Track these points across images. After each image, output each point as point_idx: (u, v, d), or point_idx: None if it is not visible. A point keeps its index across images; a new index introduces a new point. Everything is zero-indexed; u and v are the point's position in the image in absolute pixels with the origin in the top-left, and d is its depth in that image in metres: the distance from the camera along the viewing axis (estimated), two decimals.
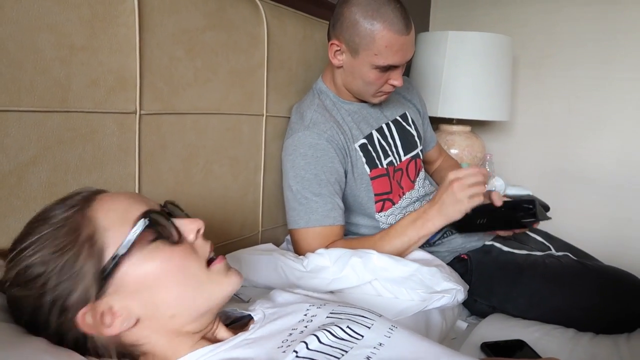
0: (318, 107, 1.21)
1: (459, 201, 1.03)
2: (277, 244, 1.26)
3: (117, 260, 0.53)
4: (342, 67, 1.17)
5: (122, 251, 0.53)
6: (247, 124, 1.17)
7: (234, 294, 1.01)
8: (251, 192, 1.21)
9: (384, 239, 1.11)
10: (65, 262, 0.52)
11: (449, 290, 0.96)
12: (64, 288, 0.52)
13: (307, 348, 0.54)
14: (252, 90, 1.17)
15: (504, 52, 1.85)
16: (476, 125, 2.18)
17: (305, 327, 0.60)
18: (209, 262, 0.60)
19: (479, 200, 1.04)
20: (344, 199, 1.20)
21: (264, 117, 1.21)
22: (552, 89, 2.14)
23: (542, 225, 1.54)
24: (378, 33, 1.07)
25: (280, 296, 0.73)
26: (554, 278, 1.14)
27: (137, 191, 0.92)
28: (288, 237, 1.29)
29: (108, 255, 0.53)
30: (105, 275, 0.53)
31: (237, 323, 0.72)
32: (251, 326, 0.63)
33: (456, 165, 1.61)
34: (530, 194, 1.98)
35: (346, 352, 0.55)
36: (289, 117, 1.28)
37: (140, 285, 0.55)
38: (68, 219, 0.54)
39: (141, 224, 0.55)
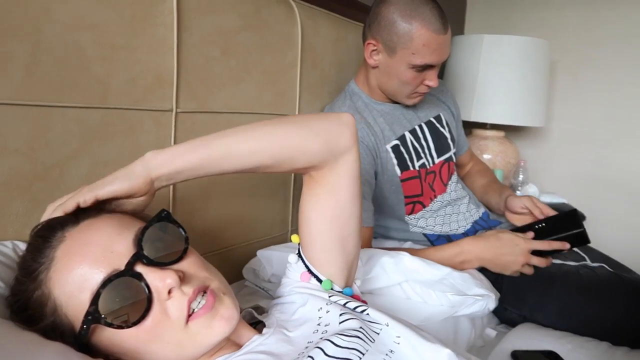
0: (349, 109, 1.21)
1: (513, 265, 1.09)
2: None
3: (85, 335, 0.52)
4: (377, 67, 1.17)
5: (83, 332, 0.51)
6: None
7: (264, 290, 1.02)
8: (282, 191, 1.23)
9: (424, 254, 1.10)
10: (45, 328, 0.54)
11: (481, 296, 0.94)
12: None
13: (325, 354, 0.54)
14: (285, 90, 1.18)
15: (541, 56, 1.81)
16: (510, 131, 2.14)
17: (320, 338, 0.58)
18: (191, 313, 0.54)
19: (529, 271, 1.10)
20: (373, 201, 1.20)
21: None
22: (590, 95, 2.08)
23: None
24: (416, 32, 1.07)
25: (287, 298, 0.71)
26: (588, 289, 1.11)
27: (171, 187, 0.94)
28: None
29: (77, 328, 0.52)
30: (81, 342, 0.53)
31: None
32: (264, 330, 0.62)
33: (487, 169, 1.58)
34: (565, 202, 1.93)
35: (363, 354, 0.54)
36: None
37: (119, 350, 0.54)
38: (34, 292, 0.54)
39: (91, 319, 0.50)
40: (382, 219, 1.26)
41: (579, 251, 1.30)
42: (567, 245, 1.09)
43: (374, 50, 1.15)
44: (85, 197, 0.59)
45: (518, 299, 1.15)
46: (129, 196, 0.61)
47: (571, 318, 1.08)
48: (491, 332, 1.12)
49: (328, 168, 0.68)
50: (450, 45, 1.14)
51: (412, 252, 1.09)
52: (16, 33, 0.69)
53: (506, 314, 1.18)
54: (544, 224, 1.14)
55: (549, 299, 1.11)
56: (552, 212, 1.20)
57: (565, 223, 1.12)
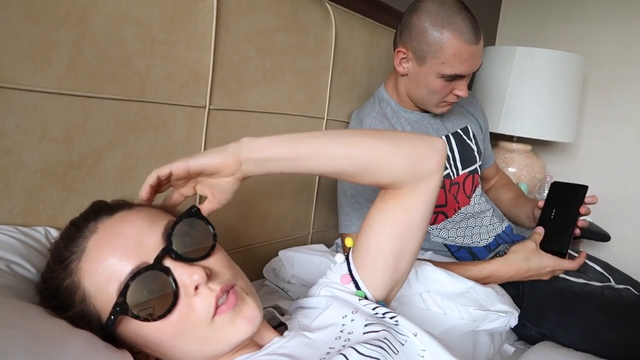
0: (377, 115, 1.21)
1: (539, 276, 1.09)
2: (327, 246, 1.27)
3: (111, 326, 0.53)
4: (406, 75, 1.17)
5: (110, 322, 0.52)
6: (307, 126, 1.18)
7: (283, 290, 1.02)
8: (305, 193, 1.23)
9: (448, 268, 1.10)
10: (74, 316, 0.54)
11: (503, 312, 0.93)
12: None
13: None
14: (316, 92, 1.18)
15: (574, 71, 1.78)
16: (537, 145, 2.11)
17: (343, 346, 0.58)
18: (217, 308, 0.54)
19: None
20: None
21: (325, 120, 1.22)
22: (623, 113, 2.04)
23: (602, 256, 1.47)
24: (447, 42, 1.06)
25: (310, 302, 0.71)
26: (612, 311, 1.08)
27: None
28: (338, 240, 1.30)
29: (104, 318, 0.53)
30: (107, 332, 0.54)
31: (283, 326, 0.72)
32: (285, 333, 0.62)
33: (512, 183, 1.56)
34: (590, 220, 1.89)
35: None
36: (348, 122, 1.28)
37: (143, 342, 0.55)
38: (64, 280, 0.55)
39: (119, 310, 0.51)
40: None
41: (603, 271, 1.27)
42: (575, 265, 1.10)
43: (403, 59, 1.15)
44: (179, 165, 0.63)
45: (539, 316, 1.13)
46: (216, 172, 0.64)
47: (594, 340, 1.06)
48: (509, 349, 1.11)
49: (408, 189, 0.68)
50: (481, 56, 1.12)
51: (434, 264, 1.08)
52: (63, 24, 0.70)
53: (525, 331, 1.17)
54: (553, 211, 1.13)
55: (572, 319, 1.09)
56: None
57: (570, 195, 1.13)
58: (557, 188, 1.17)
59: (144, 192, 0.64)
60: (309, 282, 1.03)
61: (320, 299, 0.71)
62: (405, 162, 0.65)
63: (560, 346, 1.10)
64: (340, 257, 0.72)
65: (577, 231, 1.15)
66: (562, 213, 1.11)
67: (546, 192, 1.83)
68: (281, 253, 1.06)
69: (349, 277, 0.71)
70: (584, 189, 1.13)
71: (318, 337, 0.60)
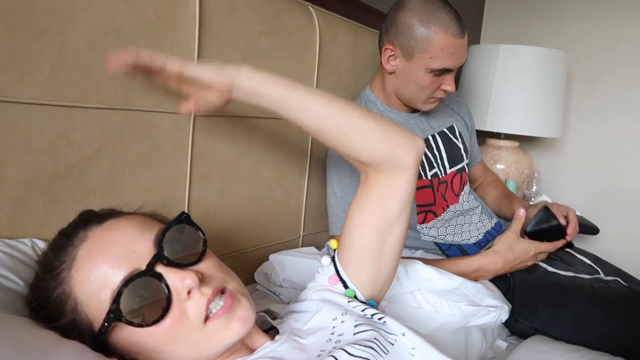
0: None
1: (524, 265, 1.14)
2: (318, 249, 1.27)
3: (104, 333, 0.53)
4: (394, 72, 1.18)
5: (104, 330, 0.52)
6: (294, 129, 1.18)
7: (275, 294, 1.02)
8: (295, 197, 1.23)
9: (438, 265, 1.11)
10: (65, 326, 0.54)
11: (493, 307, 0.94)
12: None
13: None
14: None
15: (558, 67, 1.80)
16: (524, 141, 2.13)
17: (334, 348, 0.59)
18: (208, 314, 0.54)
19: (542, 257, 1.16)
20: None
21: None
22: (608, 107, 2.07)
23: (591, 249, 1.49)
24: (434, 36, 1.07)
25: (301, 306, 0.72)
26: (602, 303, 1.10)
27: (187, 190, 0.95)
28: (329, 242, 1.30)
29: (96, 326, 0.53)
30: (99, 340, 0.54)
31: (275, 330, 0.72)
32: (277, 337, 0.62)
33: (498, 180, 1.58)
34: (579, 214, 1.91)
35: None
36: None
37: (135, 349, 0.55)
38: (55, 289, 0.55)
39: (112, 317, 0.51)
40: None
41: (592, 264, 1.29)
42: (568, 238, 1.16)
43: (391, 56, 1.15)
44: (175, 64, 0.68)
45: (530, 310, 1.14)
46: (208, 86, 0.69)
47: (585, 332, 1.07)
48: (502, 344, 1.12)
49: (384, 176, 0.70)
50: (466, 50, 1.15)
51: (424, 261, 1.08)
52: (43, 33, 0.70)
53: (517, 326, 1.18)
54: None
55: (562, 312, 1.10)
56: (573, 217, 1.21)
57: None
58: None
59: (126, 54, 0.68)
60: (300, 285, 1.03)
61: (311, 302, 0.71)
62: (384, 143, 0.68)
63: (552, 340, 1.11)
64: (326, 260, 0.73)
65: (563, 220, 1.18)
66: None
67: (535, 187, 1.85)
68: (272, 257, 1.06)
69: (336, 277, 0.71)
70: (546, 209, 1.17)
71: (309, 341, 0.61)
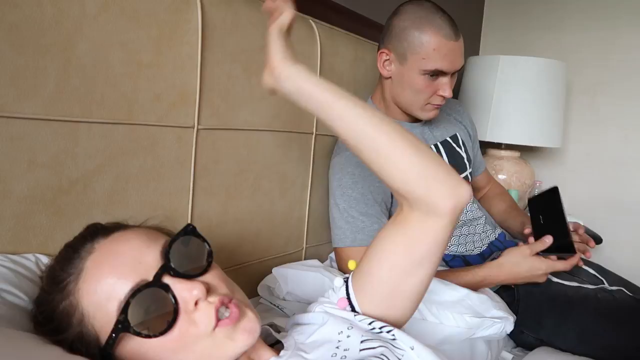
0: None
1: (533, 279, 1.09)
2: (321, 261, 1.27)
3: (112, 345, 0.52)
4: (390, 78, 1.19)
5: (111, 341, 0.52)
6: (296, 142, 1.19)
7: (278, 308, 1.02)
8: (297, 209, 1.23)
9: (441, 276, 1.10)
10: (71, 339, 0.54)
11: (499, 318, 0.93)
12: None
13: None
14: None
15: (558, 77, 1.81)
16: (526, 151, 2.13)
17: (337, 349, 0.58)
18: (217, 320, 0.54)
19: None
20: (390, 214, 1.20)
21: (314, 135, 1.23)
22: (608, 117, 2.08)
23: (594, 259, 1.48)
24: (426, 37, 1.09)
25: (306, 318, 0.71)
26: (607, 314, 1.09)
27: (190, 203, 0.95)
28: (332, 255, 1.29)
29: (103, 339, 0.53)
30: (106, 352, 0.53)
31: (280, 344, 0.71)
32: (282, 353, 0.62)
33: (505, 193, 1.57)
34: (581, 223, 1.90)
35: None
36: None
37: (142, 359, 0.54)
38: (61, 302, 0.55)
39: (120, 328, 0.51)
40: None
41: (596, 274, 1.28)
42: (588, 254, 1.12)
43: (386, 60, 1.17)
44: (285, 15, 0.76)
45: (535, 322, 1.14)
46: (269, 61, 0.73)
47: (590, 343, 1.07)
48: (507, 356, 1.11)
49: (416, 214, 0.64)
50: (462, 55, 1.14)
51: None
52: (48, 50, 0.71)
53: (522, 337, 1.17)
54: (541, 221, 1.13)
55: (568, 324, 1.10)
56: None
57: (547, 201, 1.14)
58: (534, 202, 1.19)
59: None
60: (303, 299, 1.03)
61: (316, 315, 0.70)
62: (421, 180, 0.62)
63: (557, 351, 1.10)
64: (338, 281, 0.70)
65: (571, 226, 1.16)
66: (549, 218, 1.11)
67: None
68: (275, 270, 1.06)
69: (345, 301, 0.69)
70: (555, 190, 1.14)
71: (313, 356, 0.60)
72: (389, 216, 1.18)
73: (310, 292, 1.02)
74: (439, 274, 1.08)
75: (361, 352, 0.59)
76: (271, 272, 1.09)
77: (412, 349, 0.60)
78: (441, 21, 1.10)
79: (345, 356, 0.59)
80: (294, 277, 1.03)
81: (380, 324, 0.65)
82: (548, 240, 1.06)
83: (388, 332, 0.63)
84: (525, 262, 1.07)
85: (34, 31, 0.69)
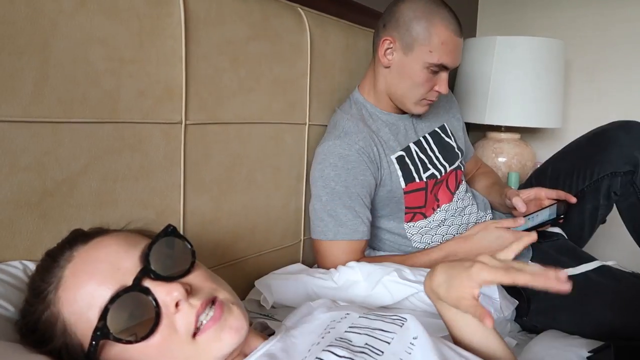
0: (352, 117, 1.18)
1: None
2: (312, 258, 1.25)
3: (94, 352, 0.51)
4: (390, 67, 1.16)
5: (92, 349, 0.51)
6: (289, 133, 1.17)
7: (269, 317, 1.01)
8: (293, 201, 1.21)
9: (411, 259, 1.10)
10: (57, 349, 0.53)
11: (491, 299, 0.92)
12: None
13: (334, 354, 0.53)
14: (295, 99, 1.17)
15: (555, 56, 1.78)
16: (526, 133, 2.10)
17: (323, 337, 0.58)
18: (198, 326, 0.53)
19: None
20: (372, 203, 1.18)
21: (307, 125, 1.21)
22: (608, 94, 2.04)
23: (597, 234, 1.46)
24: (435, 29, 1.08)
25: (306, 309, 0.71)
26: (625, 305, 1.04)
27: (182, 200, 0.93)
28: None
29: (86, 347, 0.52)
30: (90, 359, 0.52)
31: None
32: (271, 337, 0.62)
33: (491, 172, 1.55)
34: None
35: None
36: None
37: None
38: (43, 312, 0.54)
39: (99, 335, 0.50)
40: (379, 220, 1.23)
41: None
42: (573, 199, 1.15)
43: (389, 49, 1.14)
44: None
45: (549, 319, 1.11)
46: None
47: (601, 327, 1.04)
48: (511, 341, 1.09)
49: None
50: (461, 53, 1.15)
51: (399, 260, 1.09)
52: (24, 51, 0.69)
53: (524, 322, 1.15)
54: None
55: (584, 320, 1.06)
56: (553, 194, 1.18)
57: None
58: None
59: None
60: (292, 305, 1.01)
61: (314, 303, 0.71)
62: None
63: (565, 334, 1.07)
64: None
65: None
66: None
67: None
68: (257, 283, 1.04)
69: None
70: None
71: (301, 340, 0.60)
72: (371, 208, 1.17)
73: (296, 299, 1.00)
74: (406, 259, 1.10)
75: (345, 332, 0.60)
76: (266, 272, 1.08)
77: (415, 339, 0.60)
78: (449, 15, 1.09)
79: (329, 332, 0.60)
80: (277, 288, 1.01)
81: (392, 313, 0.66)
82: (521, 220, 1.07)
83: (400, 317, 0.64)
84: (491, 233, 1.06)
85: (9, 31, 0.67)
